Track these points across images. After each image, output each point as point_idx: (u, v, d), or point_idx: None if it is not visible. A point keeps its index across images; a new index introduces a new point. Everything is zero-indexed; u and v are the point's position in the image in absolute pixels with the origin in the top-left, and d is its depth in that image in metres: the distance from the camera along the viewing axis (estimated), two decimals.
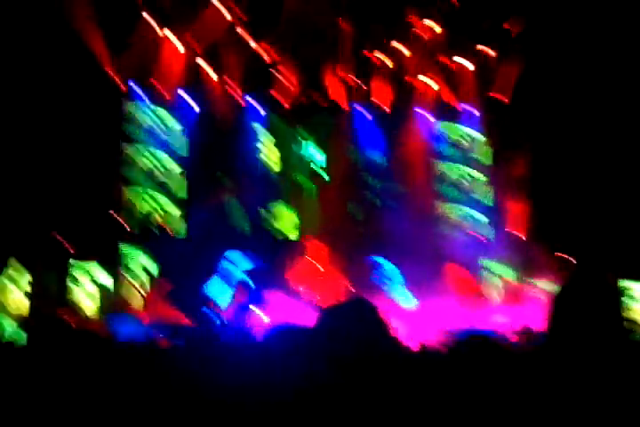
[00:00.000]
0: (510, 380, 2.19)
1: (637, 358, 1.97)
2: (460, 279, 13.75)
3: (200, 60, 14.49)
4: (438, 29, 15.09)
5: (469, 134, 15.83)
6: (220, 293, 13.26)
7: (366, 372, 1.90)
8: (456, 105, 15.53)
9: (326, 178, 15.45)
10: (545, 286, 13.27)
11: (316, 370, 1.94)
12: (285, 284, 13.86)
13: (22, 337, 9.44)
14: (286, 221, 15.22)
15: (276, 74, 14.98)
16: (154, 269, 13.42)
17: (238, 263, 14.08)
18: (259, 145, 15.38)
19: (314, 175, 15.55)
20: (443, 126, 15.94)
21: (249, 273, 13.90)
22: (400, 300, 14.19)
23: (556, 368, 1.97)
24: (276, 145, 15.48)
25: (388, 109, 15.40)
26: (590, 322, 2.00)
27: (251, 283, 13.68)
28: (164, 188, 14.63)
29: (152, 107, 14.68)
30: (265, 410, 2.03)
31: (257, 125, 15.35)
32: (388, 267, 14.79)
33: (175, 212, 14.48)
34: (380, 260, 14.83)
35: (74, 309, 12.27)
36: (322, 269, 14.09)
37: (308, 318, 8.19)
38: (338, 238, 14.68)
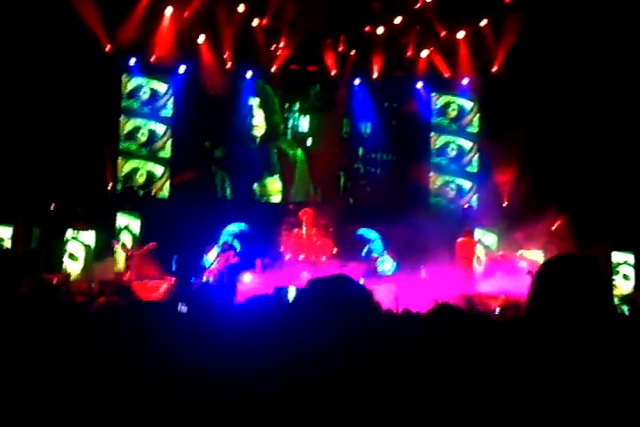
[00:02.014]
0: (485, 354, 2.18)
1: (625, 338, 1.94)
2: (447, 249, 13.79)
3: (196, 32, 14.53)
4: None
5: (461, 104, 15.78)
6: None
7: (349, 345, 1.91)
8: (450, 75, 15.43)
9: (312, 147, 15.47)
10: (533, 256, 13.34)
11: (299, 341, 1.96)
12: (274, 250, 13.97)
13: None
14: (274, 189, 15.32)
15: (271, 44, 14.94)
16: (138, 230, 13.62)
17: (233, 232, 14.26)
18: (250, 114, 15.41)
19: (303, 145, 15.59)
20: (435, 96, 15.89)
21: (236, 236, 14.07)
22: (383, 267, 14.33)
23: (532, 344, 1.96)
24: (266, 114, 15.50)
25: (380, 79, 15.33)
26: (574, 300, 1.95)
27: (237, 246, 13.83)
28: (152, 153, 14.83)
29: (147, 78, 14.79)
30: (246, 381, 2.03)
31: (250, 97, 15.37)
32: (374, 237, 14.92)
33: (160, 173, 14.68)
34: (366, 231, 14.92)
35: (61, 271, 12.46)
36: (313, 238, 14.17)
37: (294, 284, 8.30)
38: (327, 207, 14.77)
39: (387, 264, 14.66)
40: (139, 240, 13.42)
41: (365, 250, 14.88)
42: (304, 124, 15.65)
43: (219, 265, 12.64)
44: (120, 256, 13.18)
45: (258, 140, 15.46)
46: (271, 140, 15.51)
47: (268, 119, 15.51)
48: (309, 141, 15.59)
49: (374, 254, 14.64)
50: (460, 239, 13.40)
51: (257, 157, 15.26)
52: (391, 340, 2.10)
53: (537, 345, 1.92)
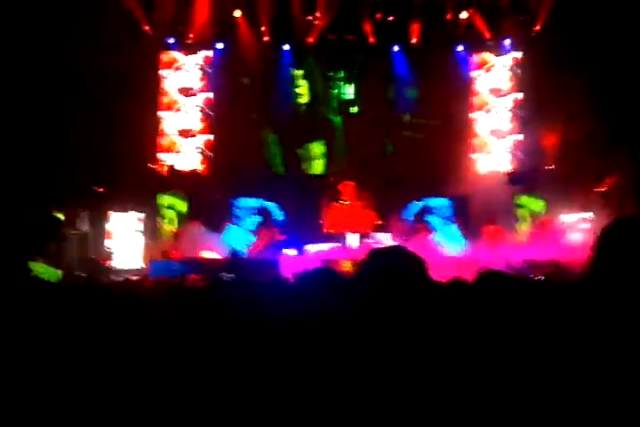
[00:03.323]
0: (532, 317, 2.21)
1: None
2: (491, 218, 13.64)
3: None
4: None
5: (502, 65, 15.40)
6: (238, 240, 13.63)
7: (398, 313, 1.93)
8: (489, 36, 15.07)
9: (358, 114, 15.41)
10: (576, 221, 13.13)
11: (349, 313, 1.99)
12: (318, 225, 14.05)
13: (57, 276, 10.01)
14: (318, 153, 15.36)
15: (307, 14, 14.84)
16: (185, 211, 13.88)
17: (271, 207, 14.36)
18: (294, 84, 15.42)
19: (347, 113, 15.55)
20: (476, 59, 15.55)
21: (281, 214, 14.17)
22: (449, 242, 13.94)
23: (588, 309, 1.95)
24: (309, 84, 15.49)
25: (419, 44, 15.10)
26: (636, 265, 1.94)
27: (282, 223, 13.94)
28: (193, 134, 14.98)
29: (187, 57, 14.91)
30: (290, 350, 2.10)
31: (292, 68, 15.37)
32: (440, 205, 14.63)
33: (207, 153, 14.87)
34: (432, 201, 14.66)
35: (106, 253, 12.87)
36: (354, 210, 14.16)
37: (339, 261, 8.38)
38: (372, 178, 14.72)
39: (444, 236, 14.18)
40: (185, 219, 13.69)
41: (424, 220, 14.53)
42: (350, 91, 15.60)
43: (264, 241, 12.83)
44: (168, 235, 13.49)
45: (303, 108, 15.48)
46: (315, 108, 15.51)
47: (311, 89, 15.50)
48: (355, 109, 15.53)
49: (430, 225, 14.33)
50: (487, 227, 13.22)
51: (302, 124, 15.29)
52: (442, 309, 2.15)
53: (598, 309, 1.93)
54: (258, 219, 13.97)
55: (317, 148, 15.34)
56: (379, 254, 2.09)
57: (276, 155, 15.18)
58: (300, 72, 15.45)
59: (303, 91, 15.48)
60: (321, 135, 15.41)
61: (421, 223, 14.08)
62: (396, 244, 10.71)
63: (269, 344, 2.22)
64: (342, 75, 15.59)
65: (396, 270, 1.97)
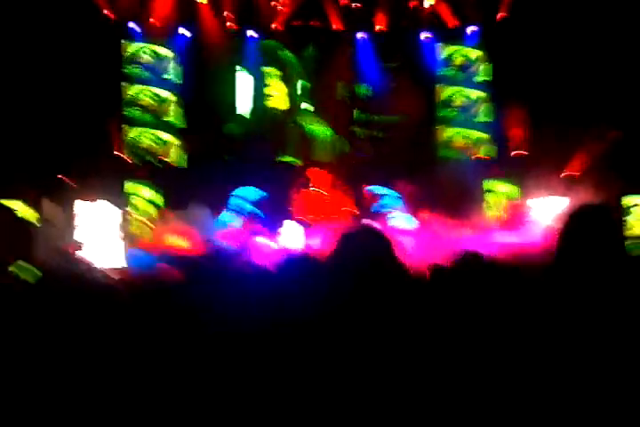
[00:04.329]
0: (508, 301, 2.27)
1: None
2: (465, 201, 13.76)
3: None
4: None
5: (467, 53, 15.52)
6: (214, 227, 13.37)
7: (376, 296, 1.92)
8: (455, 25, 15.16)
9: (311, 108, 15.24)
10: (548, 205, 13.31)
11: (330, 298, 1.97)
12: (290, 212, 13.93)
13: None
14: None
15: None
16: (159, 201, 13.59)
17: (247, 196, 14.15)
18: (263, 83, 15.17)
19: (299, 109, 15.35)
20: (442, 47, 15.62)
21: (255, 203, 13.99)
22: (402, 223, 14.23)
23: (557, 292, 2.05)
24: (279, 83, 15.25)
25: (383, 32, 15.07)
26: (594, 250, 2.07)
27: (259, 212, 13.78)
28: (163, 122, 14.69)
29: (150, 44, 14.56)
30: (273, 340, 2.06)
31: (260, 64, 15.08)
32: (389, 193, 14.78)
33: (174, 142, 14.56)
34: (375, 187, 14.80)
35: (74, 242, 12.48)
36: (326, 196, 14.08)
37: (316, 247, 8.30)
38: (338, 166, 14.67)
39: (400, 220, 14.54)
40: (158, 208, 13.39)
41: (376, 206, 14.74)
42: (300, 86, 15.35)
43: (243, 231, 12.63)
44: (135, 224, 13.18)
45: (272, 112, 15.20)
46: (287, 114, 15.25)
47: (281, 89, 15.23)
48: (305, 105, 15.30)
49: (386, 210, 14.53)
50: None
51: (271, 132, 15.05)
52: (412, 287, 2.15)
53: (561, 294, 2.04)
54: (236, 207, 13.76)
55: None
56: (351, 236, 2.00)
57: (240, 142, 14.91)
58: (271, 69, 15.12)
59: (272, 90, 15.16)
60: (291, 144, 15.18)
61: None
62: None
63: (253, 338, 2.18)
64: (295, 70, 15.37)
65: (371, 251, 1.96)
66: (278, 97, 15.13)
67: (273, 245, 12.59)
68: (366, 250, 1.98)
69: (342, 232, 2.13)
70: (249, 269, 8.03)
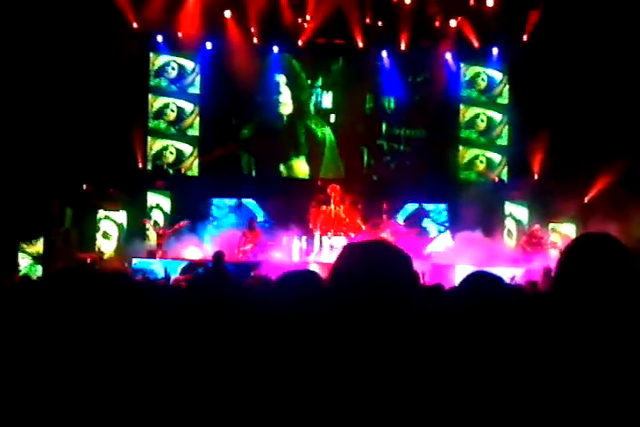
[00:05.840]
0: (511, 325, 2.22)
1: None
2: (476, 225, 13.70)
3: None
4: None
5: (491, 75, 15.51)
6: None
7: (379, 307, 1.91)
8: (479, 45, 15.15)
9: (336, 124, 15.31)
10: (565, 230, 13.24)
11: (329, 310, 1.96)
12: (305, 228, 13.96)
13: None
14: (301, 171, 15.28)
15: (298, 17, 14.77)
16: (169, 208, 13.78)
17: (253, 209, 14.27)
18: (277, 91, 15.30)
19: (327, 121, 15.45)
20: (464, 67, 15.63)
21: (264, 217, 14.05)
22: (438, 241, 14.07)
23: (557, 317, 2.01)
24: (293, 91, 15.38)
25: (408, 51, 15.12)
26: (599, 280, 2.01)
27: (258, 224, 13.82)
28: (181, 132, 14.90)
29: (177, 57, 14.79)
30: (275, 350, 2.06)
31: (277, 73, 15.25)
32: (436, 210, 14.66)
33: (189, 152, 14.77)
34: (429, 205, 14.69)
35: (95, 251, 12.69)
36: (341, 214, 14.07)
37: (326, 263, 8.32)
38: (355, 184, 14.68)
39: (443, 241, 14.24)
40: (169, 219, 13.55)
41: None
42: (327, 100, 15.49)
43: (252, 244, 12.73)
44: (152, 235, 13.34)
45: (285, 118, 15.37)
46: (299, 119, 15.41)
47: (295, 97, 15.40)
48: (332, 118, 15.44)
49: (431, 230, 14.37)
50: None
51: (284, 137, 15.19)
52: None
53: (557, 322, 1.99)
54: (234, 219, 13.90)
55: (299, 164, 15.22)
56: (360, 248, 2.02)
57: (252, 164, 15.08)
58: (284, 78, 15.31)
59: (286, 98, 15.31)
60: (304, 148, 15.28)
61: (414, 227, 14.09)
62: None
63: (250, 343, 2.20)
64: (321, 82, 15.49)
65: (381, 263, 1.93)
66: (289, 105, 15.27)
67: (285, 258, 12.65)
68: (381, 265, 1.97)
69: (356, 246, 2.13)
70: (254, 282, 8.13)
